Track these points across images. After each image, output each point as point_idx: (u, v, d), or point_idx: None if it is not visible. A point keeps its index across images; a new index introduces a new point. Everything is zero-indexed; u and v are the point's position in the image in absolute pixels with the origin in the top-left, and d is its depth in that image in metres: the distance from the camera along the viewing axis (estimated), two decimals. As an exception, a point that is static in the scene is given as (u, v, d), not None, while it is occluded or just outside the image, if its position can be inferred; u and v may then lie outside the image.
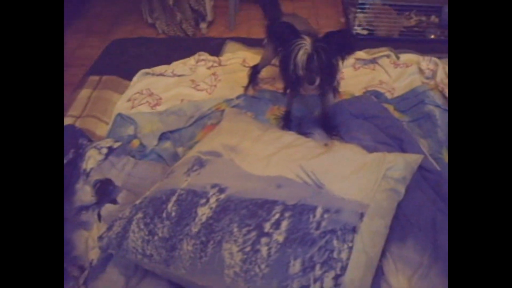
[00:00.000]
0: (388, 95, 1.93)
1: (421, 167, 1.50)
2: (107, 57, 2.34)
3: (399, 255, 1.27)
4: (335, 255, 1.11)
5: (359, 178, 1.30)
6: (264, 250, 1.12)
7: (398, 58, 2.15)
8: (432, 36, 2.98)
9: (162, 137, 1.75)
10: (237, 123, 1.59)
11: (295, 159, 1.36)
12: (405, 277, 1.24)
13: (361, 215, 1.20)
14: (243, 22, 3.38)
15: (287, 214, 1.18)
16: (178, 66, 2.17)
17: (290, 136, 1.50)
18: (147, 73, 2.13)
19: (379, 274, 1.24)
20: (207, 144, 1.47)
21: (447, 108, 1.83)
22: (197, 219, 1.20)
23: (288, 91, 1.78)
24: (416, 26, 3.15)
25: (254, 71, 1.99)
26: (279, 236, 1.14)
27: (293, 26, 1.48)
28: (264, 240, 1.14)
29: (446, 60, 2.11)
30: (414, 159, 1.42)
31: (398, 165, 1.35)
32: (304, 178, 1.29)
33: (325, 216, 1.18)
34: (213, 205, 1.22)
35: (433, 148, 1.65)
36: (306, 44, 1.42)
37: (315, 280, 1.08)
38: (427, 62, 2.08)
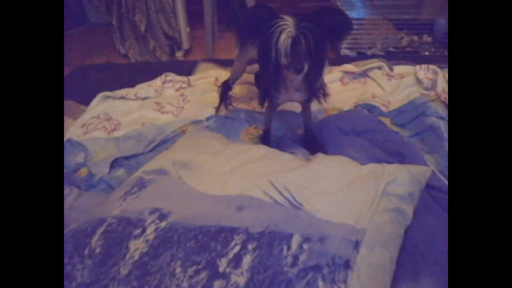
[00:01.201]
0: (384, 109, 1.66)
1: (429, 186, 1.21)
2: (67, 83, 2.07)
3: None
4: None
5: (351, 195, 1.00)
6: None
7: (391, 69, 1.89)
8: (427, 53, 2.76)
9: (116, 164, 1.46)
10: (196, 139, 1.30)
11: (263, 173, 1.06)
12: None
13: (356, 244, 0.89)
14: (222, 49, 3.15)
15: (250, 246, 0.87)
16: (142, 88, 1.90)
17: (260, 149, 1.21)
18: (107, 97, 1.86)
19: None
20: (155, 162, 1.18)
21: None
22: (127, 256, 0.88)
23: (266, 104, 1.45)
24: (408, 46, 2.94)
25: (225, 88, 1.72)
26: (239, 278, 0.82)
27: (268, 7, 1.17)
28: (218, 284, 0.82)
29: (446, 71, 1.86)
30: (421, 171, 1.12)
31: (402, 178, 1.05)
32: (275, 196, 0.99)
33: (305, 247, 0.87)
34: (150, 237, 0.91)
35: (441, 164, 1.37)
36: (289, 26, 1.10)
37: None
38: (424, 71, 1.81)
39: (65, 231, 0.99)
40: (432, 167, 1.32)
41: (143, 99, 1.85)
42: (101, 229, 0.95)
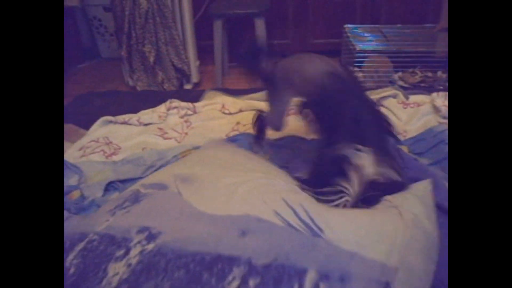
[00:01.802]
0: (400, 137, 1.55)
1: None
2: (69, 109, 2.00)
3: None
4: None
5: (378, 224, 0.85)
6: None
7: (407, 98, 1.80)
8: (441, 88, 2.68)
9: (110, 187, 1.36)
10: (208, 150, 1.19)
11: (276, 191, 0.92)
12: None
13: (386, 286, 0.73)
14: (232, 85, 3.09)
15: (252, 282, 0.72)
16: (145, 114, 1.83)
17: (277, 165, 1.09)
18: (109, 121, 1.78)
19: None
20: (157, 176, 1.07)
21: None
22: (104, 281, 0.76)
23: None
24: (421, 82, 2.86)
25: (260, 122, 1.52)
26: None
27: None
28: None
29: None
30: (422, 188, 0.99)
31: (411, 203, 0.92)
32: (288, 218, 0.83)
33: (322, 286, 0.72)
34: (133, 260, 0.78)
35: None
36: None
37: None
38: (442, 99, 1.71)
39: None
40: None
41: (146, 125, 1.77)
42: (80, 246, 0.84)
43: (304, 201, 0.89)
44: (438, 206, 0.99)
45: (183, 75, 2.93)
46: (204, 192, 0.95)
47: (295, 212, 0.84)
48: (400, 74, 2.96)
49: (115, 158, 1.54)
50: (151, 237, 0.83)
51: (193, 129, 1.71)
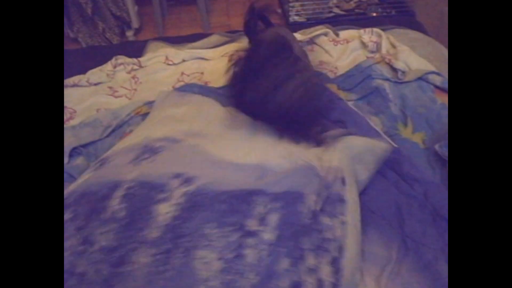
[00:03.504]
0: (331, 75, 1.71)
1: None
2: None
3: (361, 252, 1.04)
4: (328, 235, 0.92)
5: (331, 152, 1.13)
6: (251, 254, 0.85)
7: (337, 35, 1.94)
8: (374, 14, 2.82)
9: (74, 153, 1.47)
10: (189, 104, 1.35)
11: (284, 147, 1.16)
12: (372, 277, 1.01)
13: (343, 181, 1.01)
14: (173, 26, 3.13)
15: (274, 206, 0.94)
16: (94, 73, 1.89)
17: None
18: (59, 86, 1.84)
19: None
20: (159, 131, 1.18)
21: (397, 80, 1.63)
22: (158, 220, 0.89)
23: None
24: (356, 7, 2.99)
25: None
26: (270, 234, 0.89)
27: None
28: (251, 241, 0.87)
29: (390, 32, 1.92)
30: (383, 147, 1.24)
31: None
32: (290, 160, 1.08)
33: (314, 196, 0.98)
34: (180, 200, 0.92)
35: (387, 125, 1.45)
36: None
37: (309, 271, 0.86)
38: (369, 35, 1.86)
39: (65, 194, 1.00)
40: (378, 128, 1.39)
41: (96, 84, 1.84)
42: (119, 193, 0.94)
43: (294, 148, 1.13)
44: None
45: (123, 22, 2.94)
46: (221, 145, 1.11)
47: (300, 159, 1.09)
48: (335, 0, 3.07)
49: (72, 122, 1.63)
50: (188, 181, 0.96)
51: (141, 84, 1.80)
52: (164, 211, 0.90)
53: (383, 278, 1.00)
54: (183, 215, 0.89)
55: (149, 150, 1.07)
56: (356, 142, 1.19)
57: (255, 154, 1.10)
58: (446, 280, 0.99)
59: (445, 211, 1.10)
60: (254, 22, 1.44)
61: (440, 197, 1.15)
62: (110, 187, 0.95)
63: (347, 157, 1.12)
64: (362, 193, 1.14)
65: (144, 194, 0.93)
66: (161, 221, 0.88)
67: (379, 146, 1.21)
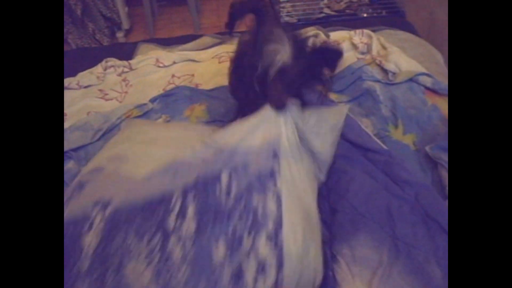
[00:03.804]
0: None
1: (366, 150, 1.29)
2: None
3: (352, 256, 1.05)
4: (260, 210, 0.91)
5: (264, 125, 1.08)
6: (177, 250, 0.88)
7: (328, 36, 1.94)
8: (365, 15, 2.83)
9: (64, 157, 1.46)
10: (130, 128, 1.34)
11: (195, 138, 1.14)
12: (363, 282, 1.02)
13: (274, 155, 1.00)
14: (164, 27, 3.12)
15: (190, 196, 0.95)
16: (84, 76, 1.88)
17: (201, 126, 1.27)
18: (48, 89, 1.83)
19: (331, 283, 1.00)
20: (92, 163, 1.20)
21: (387, 82, 1.63)
22: (83, 252, 0.93)
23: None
24: (347, 8, 3.00)
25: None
26: (189, 226, 0.91)
27: None
28: (173, 238, 0.90)
29: (380, 33, 1.93)
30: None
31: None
32: (201, 150, 1.06)
33: (233, 176, 0.97)
34: (100, 227, 0.96)
35: (377, 127, 1.45)
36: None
37: (248, 254, 0.87)
38: (359, 36, 1.87)
39: None
40: (368, 130, 1.39)
41: (86, 87, 1.84)
42: None
43: (217, 136, 1.10)
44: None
45: (114, 24, 2.93)
46: (138, 163, 1.11)
47: (206, 145, 1.07)
48: (326, 1, 3.07)
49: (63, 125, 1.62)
50: (105, 206, 0.99)
51: (132, 87, 1.80)
52: (88, 242, 0.95)
53: (374, 282, 1.00)
54: (104, 239, 0.94)
55: (77, 188, 1.10)
56: (307, 116, 1.18)
57: (169, 156, 1.09)
58: (438, 282, 0.99)
59: (436, 213, 1.11)
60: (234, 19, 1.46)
61: (431, 199, 1.15)
62: None
63: (290, 131, 1.09)
64: (351, 196, 1.15)
65: (71, 232, 0.97)
66: (87, 252, 0.93)
67: (332, 113, 1.22)
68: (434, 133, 1.41)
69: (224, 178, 0.98)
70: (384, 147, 1.32)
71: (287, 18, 2.89)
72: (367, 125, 1.43)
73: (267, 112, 1.08)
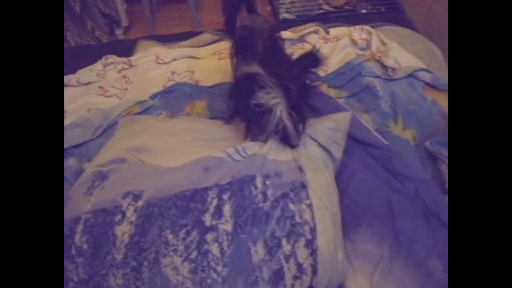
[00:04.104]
0: (321, 73, 1.72)
1: (367, 145, 1.30)
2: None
3: (353, 250, 1.06)
4: (297, 219, 0.94)
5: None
6: (214, 248, 0.91)
7: (327, 32, 1.94)
8: (364, 11, 2.83)
9: (65, 154, 1.46)
10: (132, 126, 1.34)
11: (221, 140, 1.19)
12: (364, 276, 1.03)
13: (300, 169, 1.04)
14: (163, 23, 3.12)
15: (225, 196, 0.98)
16: (84, 73, 1.88)
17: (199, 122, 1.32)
18: (48, 86, 1.83)
19: (333, 278, 1.01)
20: (106, 154, 1.19)
21: (387, 77, 1.64)
22: (118, 242, 0.94)
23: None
24: (346, 4, 3.00)
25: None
26: (226, 225, 0.93)
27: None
28: (210, 236, 0.92)
29: (380, 29, 1.93)
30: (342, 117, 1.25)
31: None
32: (233, 153, 1.10)
33: (267, 182, 1.00)
34: (133, 218, 0.97)
35: (377, 122, 1.46)
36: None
37: (287, 258, 0.90)
38: (359, 32, 1.87)
39: None
40: (369, 125, 1.40)
41: (86, 84, 1.84)
42: (79, 227, 0.98)
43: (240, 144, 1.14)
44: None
45: (113, 21, 2.92)
46: (163, 154, 1.13)
47: (237, 151, 1.10)
48: (325, -3, 3.07)
49: (64, 122, 1.62)
50: (136, 197, 1.00)
51: (132, 84, 1.80)
52: (122, 232, 0.96)
53: (375, 276, 1.01)
54: (139, 231, 0.95)
55: (99, 178, 1.09)
56: (320, 128, 1.20)
57: (199, 152, 1.12)
58: (438, 276, 1.00)
59: (436, 208, 1.12)
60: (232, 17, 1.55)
61: (432, 194, 1.16)
62: (71, 224, 1.00)
63: (309, 147, 1.14)
64: (352, 191, 1.15)
65: (101, 222, 0.98)
66: (122, 242, 0.94)
67: (341, 120, 1.23)
68: (434, 128, 1.41)
69: (259, 182, 1.01)
70: (385, 142, 1.32)
71: (286, 15, 2.89)
72: (367, 121, 1.44)
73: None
